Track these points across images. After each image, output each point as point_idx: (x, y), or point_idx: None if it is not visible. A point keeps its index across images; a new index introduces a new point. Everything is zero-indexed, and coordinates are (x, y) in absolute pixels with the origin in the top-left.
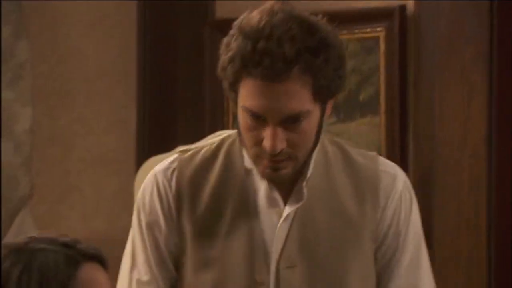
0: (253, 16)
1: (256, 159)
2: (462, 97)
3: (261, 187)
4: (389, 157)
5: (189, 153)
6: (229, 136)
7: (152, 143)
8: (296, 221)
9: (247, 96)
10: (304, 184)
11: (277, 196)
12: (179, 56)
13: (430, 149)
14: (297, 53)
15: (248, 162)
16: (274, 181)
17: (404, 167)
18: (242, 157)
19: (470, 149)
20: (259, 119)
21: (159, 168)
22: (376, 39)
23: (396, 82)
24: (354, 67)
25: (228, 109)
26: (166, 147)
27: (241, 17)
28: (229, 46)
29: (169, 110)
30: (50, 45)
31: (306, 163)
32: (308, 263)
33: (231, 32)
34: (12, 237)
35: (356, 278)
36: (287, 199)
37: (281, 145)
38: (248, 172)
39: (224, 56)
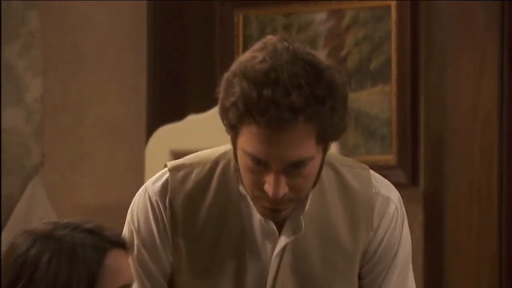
0: (255, 57)
1: (255, 199)
2: (474, 64)
3: (254, 215)
4: (400, 126)
5: (181, 173)
6: (223, 156)
7: (162, 110)
8: (290, 251)
9: (249, 141)
10: (301, 217)
11: (272, 226)
12: (190, 24)
13: (442, 117)
14: (305, 103)
15: (242, 188)
16: (274, 220)
17: (415, 136)
18: (237, 182)
19: (482, 117)
20: (261, 164)
21: (151, 188)
22: (387, 7)
23: (408, 50)
24: (365, 35)
25: None
26: (176, 115)
27: (243, 56)
28: (232, 89)
29: (180, 78)
30: (61, 13)
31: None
32: None
33: (233, 71)
34: (24, 205)
35: None
36: (281, 228)
37: (284, 190)
38: (242, 197)
39: (225, 98)
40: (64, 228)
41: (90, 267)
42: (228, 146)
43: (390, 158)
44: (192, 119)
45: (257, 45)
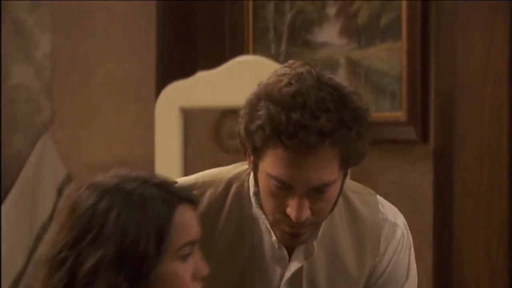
0: (280, 80)
1: (275, 223)
2: (485, 22)
3: (266, 238)
4: (411, 83)
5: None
6: (236, 178)
7: (172, 67)
8: (300, 277)
9: (275, 164)
10: (314, 242)
11: (283, 250)
12: None
13: (452, 73)
14: (333, 127)
15: (255, 211)
16: (293, 245)
17: (425, 93)
18: (250, 204)
19: (492, 74)
20: (284, 187)
21: None
22: None
23: (418, 6)
24: None
25: (248, 32)
26: (186, 72)
27: (267, 80)
28: (258, 112)
29: (189, 34)
30: None
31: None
32: None
33: (257, 94)
34: (34, 163)
35: None
36: (291, 253)
37: (306, 214)
38: (254, 221)
39: (250, 121)
40: (132, 181)
41: (159, 222)
42: (240, 167)
43: (400, 115)
44: (202, 76)
45: (280, 70)
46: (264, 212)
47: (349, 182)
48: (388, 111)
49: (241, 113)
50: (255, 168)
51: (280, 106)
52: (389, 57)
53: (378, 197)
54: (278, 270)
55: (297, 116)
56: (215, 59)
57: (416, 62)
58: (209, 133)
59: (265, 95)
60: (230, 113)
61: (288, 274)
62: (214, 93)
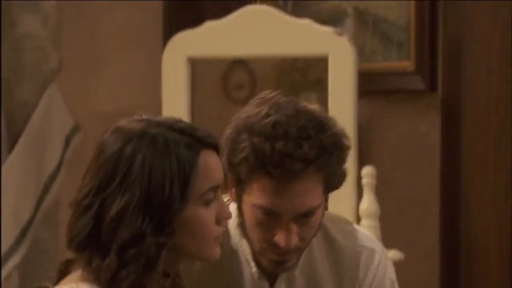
0: (258, 112)
1: (262, 251)
2: None
3: (246, 270)
4: (419, 32)
5: None
6: None
7: (179, 17)
8: None
9: (260, 194)
10: (295, 272)
11: (264, 282)
12: None
13: (460, 23)
14: (316, 155)
15: (235, 243)
16: (280, 273)
17: (433, 42)
18: (229, 236)
19: (501, 23)
20: (271, 216)
21: None
22: None
23: None
24: None
25: None
26: (193, 21)
27: (242, 113)
28: (240, 145)
29: None
30: None
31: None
32: None
33: (236, 127)
34: (41, 112)
35: None
36: (272, 285)
37: (295, 241)
38: (233, 253)
39: (232, 155)
40: (157, 126)
41: (184, 167)
42: None
43: (408, 64)
44: (210, 26)
45: (254, 101)
46: (249, 243)
47: (327, 214)
48: (395, 61)
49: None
50: (238, 200)
51: (262, 137)
52: (397, 6)
53: (355, 225)
54: None
55: (281, 145)
56: (223, 9)
57: (424, 11)
58: (217, 83)
59: (245, 128)
60: (238, 63)
61: None
62: (222, 43)
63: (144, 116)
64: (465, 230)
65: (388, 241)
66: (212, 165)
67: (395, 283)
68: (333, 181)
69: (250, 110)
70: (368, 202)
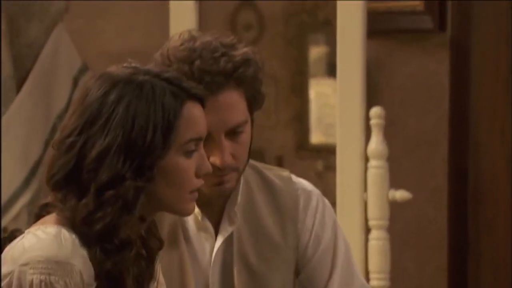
0: (174, 46)
1: (202, 187)
2: None
3: (189, 217)
4: None
5: None
6: None
7: None
8: (228, 248)
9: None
10: (235, 208)
11: (208, 224)
12: None
13: None
14: (233, 67)
15: None
16: (221, 195)
17: None
18: None
19: None
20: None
21: None
22: None
23: None
24: None
25: None
26: None
27: (159, 52)
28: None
29: None
30: None
31: (234, 188)
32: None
33: (155, 63)
34: (49, 52)
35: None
36: (217, 227)
37: (229, 157)
38: None
39: None
40: (144, 74)
41: (168, 115)
42: None
43: (417, 4)
44: None
45: (174, 37)
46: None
47: (262, 164)
48: (405, 0)
49: None
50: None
51: (182, 61)
52: None
53: (291, 174)
54: (207, 246)
55: (198, 64)
56: None
57: None
58: (225, 24)
59: (166, 60)
60: (245, 4)
61: (217, 244)
62: None
63: (133, 64)
64: (473, 169)
65: (396, 181)
66: (196, 116)
67: (336, 222)
68: (255, 98)
69: (169, 46)
70: (376, 143)
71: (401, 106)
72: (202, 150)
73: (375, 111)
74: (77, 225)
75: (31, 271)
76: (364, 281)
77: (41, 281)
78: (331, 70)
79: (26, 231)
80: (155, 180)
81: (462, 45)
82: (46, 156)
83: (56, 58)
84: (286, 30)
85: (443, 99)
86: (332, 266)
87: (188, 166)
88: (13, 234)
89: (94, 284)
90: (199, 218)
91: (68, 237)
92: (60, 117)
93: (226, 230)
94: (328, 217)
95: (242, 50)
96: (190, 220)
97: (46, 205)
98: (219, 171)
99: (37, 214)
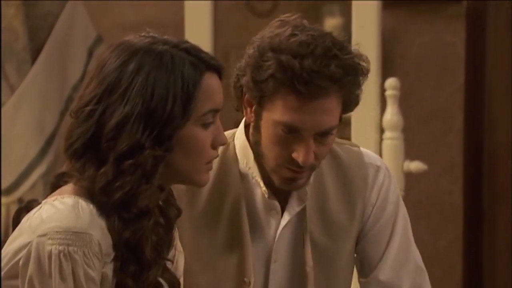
0: (282, 32)
1: (277, 168)
2: None
3: (256, 192)
4: None
5: None
6: None
7: None
8: (294, 224)
9: (285, 110)
10: (306, 187)
11: (275, 201)
12: None
13: None
14: (343, 74)
15: (243, 167)
16: (291, 190)
17: None
18: (237, 161)
19: None
20: (292, 133)
21: None
22: None
23: None
24: None
25: None
26: None
27: (263, 33)
28: (266, 62)
29: None
30: None
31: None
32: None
33: (259, 46)
34: (64, 24)
35: (344, 273)
36: (283, 205)
37: (312, 158)
38: (243, 177)
39: (257, 72)
40: (163, 43)
41: (188, 85)
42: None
43: None
44: None
45: (275, 23)
46: (259, 163)
47: (335, 138)
48: None
49: (241, 66)
50: (257, 118)
51: (290, 54)
52: None
53: (362, 148)
54: (272, 222)
55: (309, 63)
56: None
57: None
58: None
59: (270, 47)
60: None
61: (283, 222)
62: None
63: (150, 33)
64: (488, 140)
65: (411, 152)
66: (214, 87)
67: (399, 200)
68: (349, 103)
69: (273, 31)
70: (391, 114)
71: (416, 77)
72: (218, 122)
73: (390, 82)
74: (96, 194)
75: (50, 241)
76: (420, 262)
77: (59, 252)
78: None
79: (43, 201)
80: (173, 150)
81: (478, 15)
82: (61, 127)
83: (71, 30)
84: (300, 1)
85: (458, 70)
86: (388, 243)
87: (205, 137)
88: (30, 205)
89: (113, 254)
90: (266, 195)
91: (85, 207)
92: (75, 88)
93: (293, 208)
94: (392, 193)
95: (353, 53)
96: (257, 195)
97: (63, 174)
98: (297, 167)
99: (53, 184)
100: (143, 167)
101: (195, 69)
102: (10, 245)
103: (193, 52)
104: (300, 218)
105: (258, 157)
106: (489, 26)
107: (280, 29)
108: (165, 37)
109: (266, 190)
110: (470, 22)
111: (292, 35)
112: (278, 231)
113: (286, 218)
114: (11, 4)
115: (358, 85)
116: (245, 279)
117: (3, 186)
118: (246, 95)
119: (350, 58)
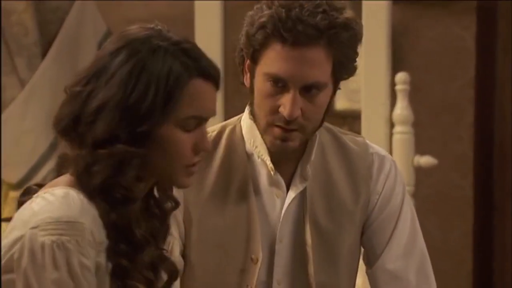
0: None
1: (267, 128)
2: None
3: (262, 171)
4: None
5: None
6: (228, 123)
7: None
8: (298, 205)
9: (272, 61)
10: (308, 165)
11: (279, 178)
12: None
13: None
14: (328, 25)
15: (249, 147)
16: (282, 152)
17: None
18: (243, 142)
19: None
20: (279, 85)
21: None
22: None
23: None
24: None
25: None
26: None
27: None
28: (259, 15)
29: None
30: None
31: (309, 146)
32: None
33: (258, 6)
34: (74, 18)
35: (346, 258)
36: (289, 184)
37: (298, 111)
38: (249, 157)
39: (251, 25)
40: (162, 39)
41: (172, 84)
42: (231, 119)
43: None
44: None
45: None
46: (257, 120)
47: (337, 128)
48: None
49: (242, 33)
50: (251, 77)
51: (281, 6)
52: None
53: (368, 141)
54: (277, 201)
55: (296, 12)
56: None
57: None
58: None
59: (266, 3)
60: None
61: (287, 201)
62: None
63: (158, 27)
64: (499, 134)
65: (421, 146)
66: (202, 94)
67: (405, 190)
68: (343, 64)
69: None
70: (401, 108)
71: (426, 72)
72: (204, 129)
73: (401, 76)
74: (79, 177)
75: (42, 233)
76: (426, 255)
77: (52, 242)
78: None
79: (35, 195)
80: (150, 149)
81: (489, 9)
82: None
83: (81, 24)
84: None
85: (469, 64)
86: (393, 232)
87: (185, 140)
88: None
89: (106, 242)
90: (272, 173)
91: (76, 197)
92: None
93: (297, 186)
94: (399, 183)
95: (346, 15)
96: (263, 175)
97: (65, 154)
98: (284, 123)
99: (57, 164)
100: (115, 159)
101: (185, 70)
102: (4, 240)
103: (191, 53)
104: (303, 199)
105: (255, 121)
106: (499, 20)
107: None
108: (170, 33)
109: (273, 167)
110: (481, 16)
111: None
112: (283, 211)
113: (290, 196)
114: None
115: (349, 45)
116: (252, 256)
117: (14, 180)
118: (246, 60)
119: (340, 17)
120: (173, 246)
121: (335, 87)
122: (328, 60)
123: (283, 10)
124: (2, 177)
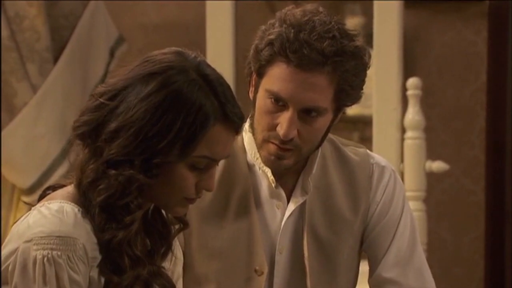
0: (296, 11)
1: (263, 144)
2: None
3: (263, 182)
4: None
5: None
6: None
7: None
8: (298, 216)
9: (276, 79)
10: (309, 178)
11: (280, 190)
12: None
13: None
14: (335, 52)
15: (250, 158)
16: (276, 169)
17: None
18: (245, 153)
19: None
20: (279, 104)
21: None
22: None
23: None
24: None
25: None
26: None
27: (283, 10)
28: (270, 32)
29: None
30: None
31: (310, 159)
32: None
33: (272, 22)
34: (86, 23)
35: (344, 268)
36: (289, 196)
37: (294, 132)
38: (250, 167)
39: (261, 41)
40: (199, 74)
41: (195, 129)
42: None
43: None
44: None
45: (294, 6)
46: (255, 134)
47: (340, 139)
48: None
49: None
50: (255, 91)
51: (291, 27)
52: None
53: (369, 151)
54: (278, 213)
55: (304, 35)
56: None
57: None
58: None
59: (279, 20)
60: None
61: (287, 213)
62: None
63: (198, 58)
64: (511, 140)
65: (433, 152)
66: (222, 141)
67: (405, 201)
68: (345, 92)
69: (292, 10)
70: (413, 113)
71: (438, 77)
72: (213, 170)
73: (412, 81)
74: (83, 188)
75: (35, 247)
76: (425, 265)
77: (43, 257)
78: (367, 41)
79: (32, 208)
80: (157, 179)
81: (500, 14)
82: None
83: (93, 30)
84: (322, 1)
85: (480, 69)
86: (392, 241)
87: (192, 177)
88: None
89: (99, 257)
90: (273, 185)
91: (70, 212)
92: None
93: (297, 199)
94: (398, 194)
95: (355, 43)
96: (264, 186)
97: (50, 188)
98: (280, 142)
99: (40, 196)
100: (121, 181)
101: (213, 112)
102: (2, 251)
103: (221, 96)
104: (303, 211)
105: (252, 130)
106: (511, 25)
107: (296, 10)
108: (208, 68)
109: (274, 179)
110: (492, 21)
111: (303, 14)
112: (283, 222)
113: (290, 208)
114: (33, 4)
115: (354, 73)
116: (257, 267)
117: (26, 185)
118: (253, 74)
119: (349, 45)
120: (177, 266)
121: (337, 113)
122: (330, 86)
123: (293, 30)
124: (14, 182)
